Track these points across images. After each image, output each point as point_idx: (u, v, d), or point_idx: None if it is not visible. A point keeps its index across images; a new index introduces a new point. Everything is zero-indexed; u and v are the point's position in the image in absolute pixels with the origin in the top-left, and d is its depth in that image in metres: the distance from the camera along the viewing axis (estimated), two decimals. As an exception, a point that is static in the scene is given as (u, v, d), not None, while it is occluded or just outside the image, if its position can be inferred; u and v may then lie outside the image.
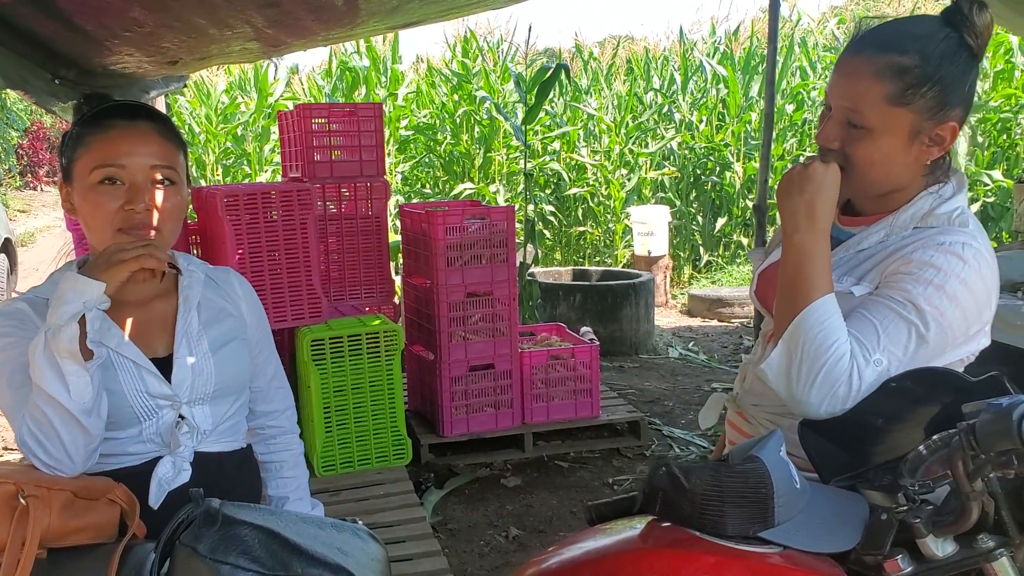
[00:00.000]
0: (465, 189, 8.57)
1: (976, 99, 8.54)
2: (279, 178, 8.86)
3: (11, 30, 1.82)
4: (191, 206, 4.11)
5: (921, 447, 1.06)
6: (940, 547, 1.02)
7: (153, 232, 1.36)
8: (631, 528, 1.10)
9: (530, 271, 5.62)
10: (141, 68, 2.94)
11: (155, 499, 1.35)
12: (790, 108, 9.19)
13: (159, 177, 1.37)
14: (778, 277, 1.33)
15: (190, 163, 1.58)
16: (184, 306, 1.45)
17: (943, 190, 1.33)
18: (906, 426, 1.18)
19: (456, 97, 9.12)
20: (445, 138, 9.15)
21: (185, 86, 6.30)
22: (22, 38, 2.08)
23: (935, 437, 1.06)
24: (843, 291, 1.29)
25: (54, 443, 1.23)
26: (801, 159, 1.66)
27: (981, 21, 1.27)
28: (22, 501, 0.99)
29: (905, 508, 1.04)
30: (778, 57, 5.16)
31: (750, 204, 8.64)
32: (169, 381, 1.39)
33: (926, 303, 1.22)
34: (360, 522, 1.17)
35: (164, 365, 1.40)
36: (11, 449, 4.51)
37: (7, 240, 6.88)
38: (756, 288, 1.53)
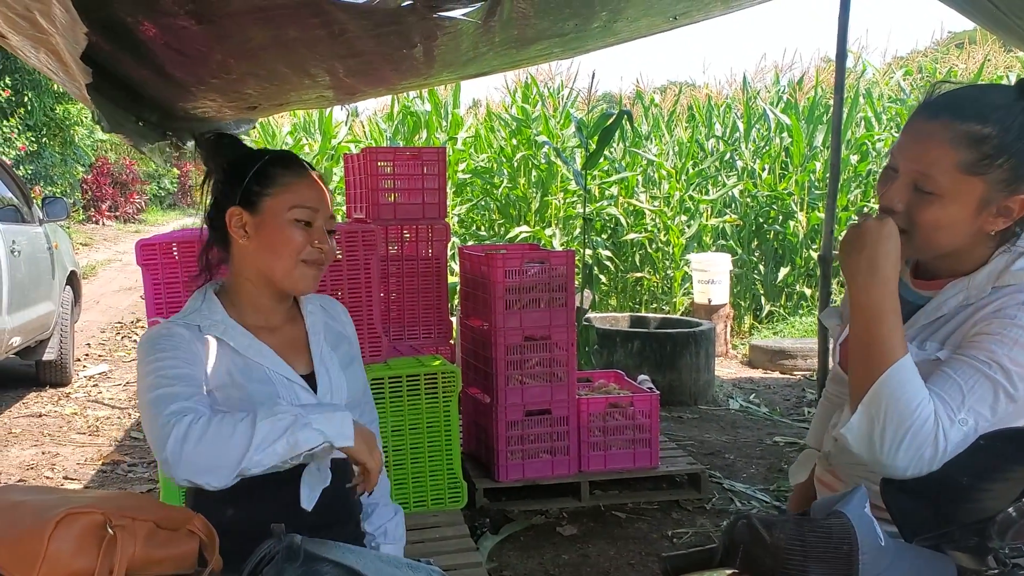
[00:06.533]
0: (521, 232, 8.61)
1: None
2: (342, 218, 9.04)
3: (105, 75, 1.91)
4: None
5: (1011, 508, 1.04)
6: (1035, 614, 0.98)
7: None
8: (709, 581, 1.08)
9: (586, 316, 5.59)
10: (221, 112, 3.05)
11: (308, 501, 1.47)
12: (854, 159, 9.09)
13: (331, 224, 1.60)
14: (850, 339, 1.31)
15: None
16: (313, 330, 1.66)
17: (1015, 247, 1.32)
18: (995, 486, 1.14)
19: (515, 141, 9.22)
20: (502, 182, 9.22)
21: (253, 127, 6.49)
22: (113, 83, 2.18)
23: (1026, 499, 1.03)
24: (928, 358, 1.27)
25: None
26: (865, 210, 1.65)
27: None
28: (110, 531, 1.02)
29: (996, 572, 1.00)
30: (843, 107, 5.12)
31: (814, 254, 8.52)
32: (315, 393, 1.58)
33: (1011, 363, 1.20)
34: (433, 563, 1.16)
35: (307, 381, 1.60)
36: (71, 479, 4.60)
37: (72, 273, 7.03)
38: (840, 360, 1.48)
